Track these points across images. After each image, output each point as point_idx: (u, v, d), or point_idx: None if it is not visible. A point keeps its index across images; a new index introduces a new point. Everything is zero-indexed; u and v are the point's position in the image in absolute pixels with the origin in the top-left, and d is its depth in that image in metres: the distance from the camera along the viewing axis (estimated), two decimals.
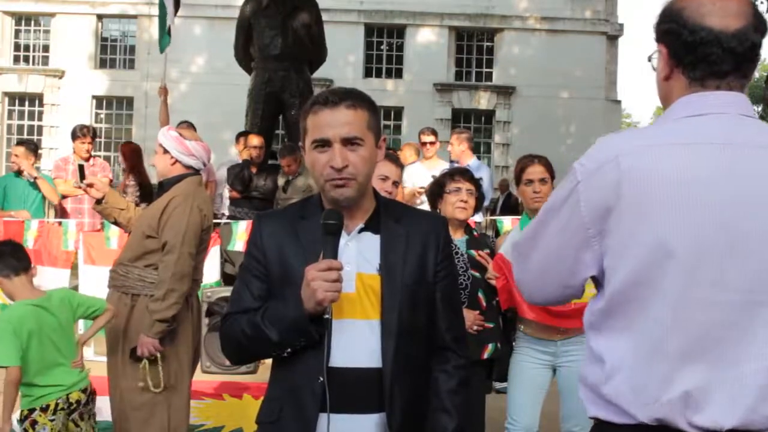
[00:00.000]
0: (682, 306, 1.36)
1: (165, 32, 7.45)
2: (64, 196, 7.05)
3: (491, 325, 3.41)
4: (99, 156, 7.64)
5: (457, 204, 3.40)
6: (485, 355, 3.38)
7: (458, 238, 3.40)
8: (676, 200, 1.35)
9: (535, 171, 3.41)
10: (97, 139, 7.93)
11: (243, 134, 7.81)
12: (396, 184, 3.21)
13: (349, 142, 1.74)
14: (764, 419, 1.35)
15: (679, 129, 1.42)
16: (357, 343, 1.74)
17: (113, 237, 6.16)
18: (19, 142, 7.07)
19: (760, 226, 1.35)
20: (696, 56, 1.43)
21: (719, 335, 1.35)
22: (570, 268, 1.51)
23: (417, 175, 6.57)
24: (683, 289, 1.35)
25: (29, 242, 5.91)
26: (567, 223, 1.48)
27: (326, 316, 1.66)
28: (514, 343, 3.53)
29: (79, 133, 7.10)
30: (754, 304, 1.35)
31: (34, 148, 7.01)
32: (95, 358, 6.26)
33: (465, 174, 3.55)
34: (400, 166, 3.31)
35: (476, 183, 3.54)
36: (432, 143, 7.30)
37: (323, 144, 1.75)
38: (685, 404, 1.36)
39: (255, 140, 7.31)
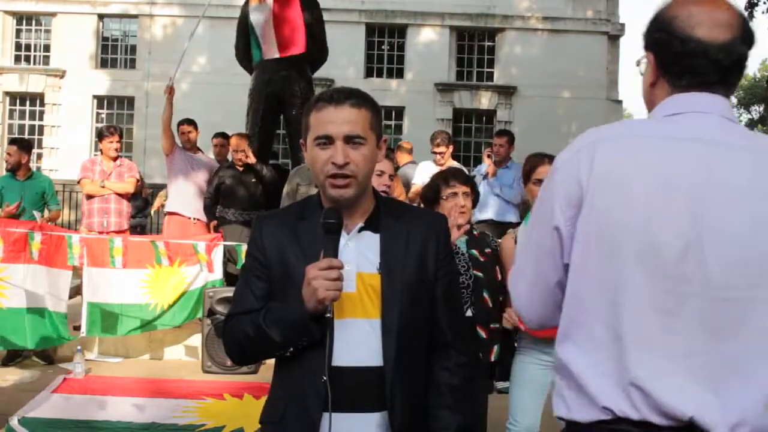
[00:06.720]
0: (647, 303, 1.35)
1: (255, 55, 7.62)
2: (90, 196, 7.06)
3: (497, 326, 3.39)
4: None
5: (455, 209, 3.36)
6: (493, 357, 3.37)
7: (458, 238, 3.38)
8: (650, 193, 1.35)
9: (546, 171, 3.36)
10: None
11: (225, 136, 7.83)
12: (391, 177, 3.22)
13: (351, 140, 1.75)
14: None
15: (659, 126, 1.44)
16: (358, 342, 1.74)
17: (118, 256, 6.14)
18: (12, 141, 7.04)
19: (732, 224, 1.34)
20: (683, 67, 1.44)
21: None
22: (559, 278, 1.48)
23: (430, 176, 6.55)
24: (653, 282, 1.35)
25: (34, 254, 5.87)
26: (549, 219, 1.47)
27: (327, 314, 1.67)
28: (516, 344, 3.52)
29: (106, 132, 7.15)
30: (721, 301, 1.33)
31: (27, 146, 6.99)
32: (95, 358, 6.28)
33: (459, 176, 3.48)
34: (392, 160, 3.34)
35: (472, 183, 3.50)
36: (442, 154, 7.34)
37: (326, 141, 1.76)
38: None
39: (234, 142, 7.11)
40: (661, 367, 1.33)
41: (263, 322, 1.74)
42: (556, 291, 1.49)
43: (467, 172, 3.84)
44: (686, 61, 1.43)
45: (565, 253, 1.46)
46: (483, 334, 3.35)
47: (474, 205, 3.50)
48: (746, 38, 1.44)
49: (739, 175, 1.35)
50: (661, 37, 1.46)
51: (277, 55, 7.55)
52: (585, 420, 1.40)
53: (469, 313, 3.29)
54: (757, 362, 1.33)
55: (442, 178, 3.49)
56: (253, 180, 7.02)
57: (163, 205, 8.19)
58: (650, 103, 1.53)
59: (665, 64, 1.47)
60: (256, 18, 7.46)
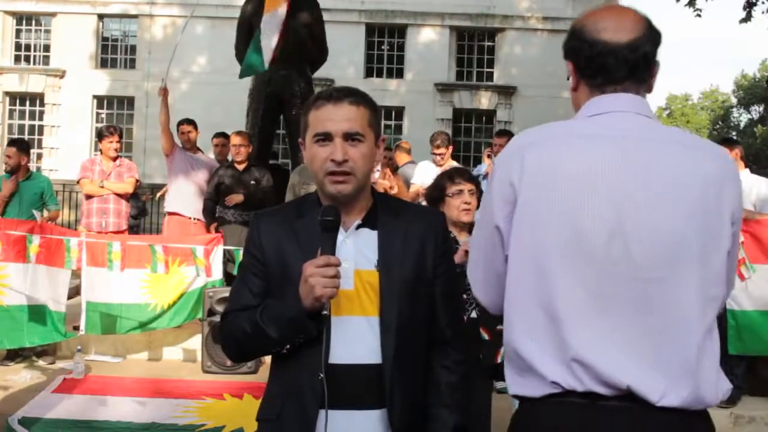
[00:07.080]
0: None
1: (252, 60, 7.29)
2: (89, 196, 7.06)
3: (502, 327, 3.37)
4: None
5: (461, 207, 3.36)
6: (499, 359, 3.35)
7: (464, 239, 3.37)
8: (576, 187, 1.49)
9: None
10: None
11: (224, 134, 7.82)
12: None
13: (350, 137, 1.76)
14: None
15: (582, 125, 1.59)
16: (356, 340, 1.74)
17: (116, 260, 6.14)
18: (11, 142, 7.02)
19: (652, 213, 1.47)
20: (593, 68, 1.60)
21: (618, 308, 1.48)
22: (502, 268, 1.61)
23: (430, 176, 6.53)
24: (583, 268, 1.48)
25: (31, 258, 5.86)
26: (490, 218, 1.61)
27: (324, 312, 1.67)
28: None
29: (105, 132, 7.14)
30: (645, 281, 1.47)
31: (26, 147, 6.98)
32: (95, 358, 6.28)
33: (464, 174, 3.49)
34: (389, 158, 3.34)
35: (476, 182, 3.51)
36: (442, 155, 7.34)
37: (324, 138, 1.77)
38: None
39: (236, 139, 7.08)
40: (598, 343, 1.46)
41: (260, 319, 1.74)
42: (505, 280, 1.62)
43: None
44: (596, 61, 1.59)
45: (506, 247, 1.60)
46: (486, 336, 3.34)
47: (479, 205, 3.50)
48: (652, 37, 1.59)
49: (656, 167, 1.49)
50: (575, 44, 1.63)
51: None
52: (537, 395, 1.51)
53: (473, 314, 3.28)
54: (680, 333, 1.46)
55: (447, 176, 3.49)
56: (253, 181, 7.02)
57: (163, 198, 8.16)
58: (576, 107, 1.68)
59: (581, 68, 1.63)
60: (266, 23, 7.40)
